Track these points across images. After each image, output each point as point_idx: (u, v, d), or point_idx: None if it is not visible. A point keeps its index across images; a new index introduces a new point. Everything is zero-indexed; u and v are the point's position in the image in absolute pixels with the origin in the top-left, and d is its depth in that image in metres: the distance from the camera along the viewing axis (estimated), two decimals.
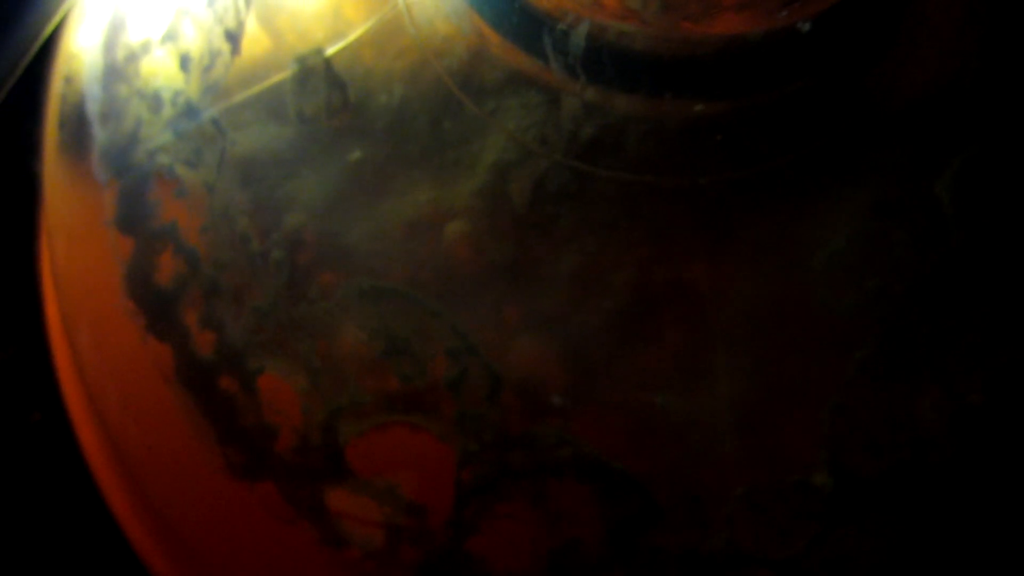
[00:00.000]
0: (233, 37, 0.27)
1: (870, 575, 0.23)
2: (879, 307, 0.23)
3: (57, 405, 0.34)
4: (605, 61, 0.22)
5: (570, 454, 0.23)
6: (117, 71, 0.28)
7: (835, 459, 0.22)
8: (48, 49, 0.30)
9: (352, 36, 0.25)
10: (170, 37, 0.28)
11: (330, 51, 0.25)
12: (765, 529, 0.23)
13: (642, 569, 0.23)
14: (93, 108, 0.28)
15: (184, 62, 0.27)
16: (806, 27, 0.21)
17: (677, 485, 0.23)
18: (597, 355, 0.23)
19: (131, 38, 0.28)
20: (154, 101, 0.27)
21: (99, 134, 0.28)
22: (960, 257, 0.23)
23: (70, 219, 0.30)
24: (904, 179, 0.23)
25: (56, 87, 0.30)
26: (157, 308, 0.26)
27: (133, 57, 0.28)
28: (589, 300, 0.24)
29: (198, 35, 0.27)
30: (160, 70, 0.27)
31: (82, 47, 0.30)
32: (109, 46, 0.29)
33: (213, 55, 0.27)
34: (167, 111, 0.27)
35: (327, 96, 0.25)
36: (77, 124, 0.29)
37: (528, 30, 0.23)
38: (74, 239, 0.29)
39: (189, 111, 0.26)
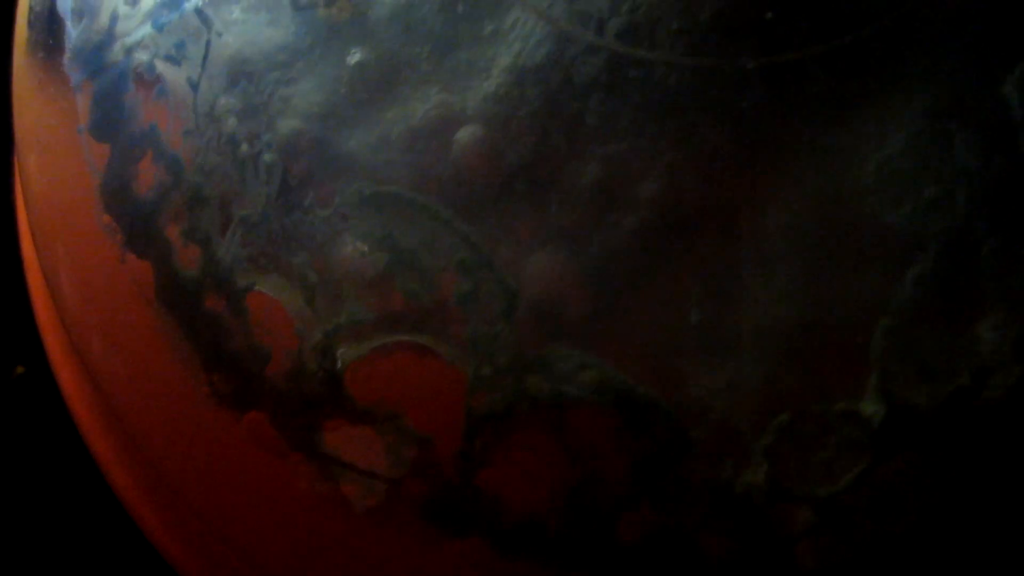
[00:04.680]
0: None
1: (922, 513, 0.21)
2: (937, 218, 0.21)
3: (42, 358, 0.33)
4: None
5: (592, 379, 0.21)
6: None
7: (886, 387, 0.21)
8: None
9: None
10: None
11: None
12: (806, 463, 0.21)
13: (670, 507, 0.21)
14: (65, 3, 0.26)
15: None
16: None
17: (709, 414, 0.21)
18: (622, 272, 0.21)
19: None
20: None
21: (72, 31, 0.26)
22: None
23: (41, 129, 0.27)
24: (969, 77, 0.21)
25: None
26: (136, 222, 0.24)
27: None
28: (613, 214, 0.22)
29: None
30: None
31: None
32: None
33: None
34: (146, 3, 0.24)
35: None
36: (48, 21, 0.26)
37: None
38: (46, 150, 0.27)
39: (170, 1, 0.24)
